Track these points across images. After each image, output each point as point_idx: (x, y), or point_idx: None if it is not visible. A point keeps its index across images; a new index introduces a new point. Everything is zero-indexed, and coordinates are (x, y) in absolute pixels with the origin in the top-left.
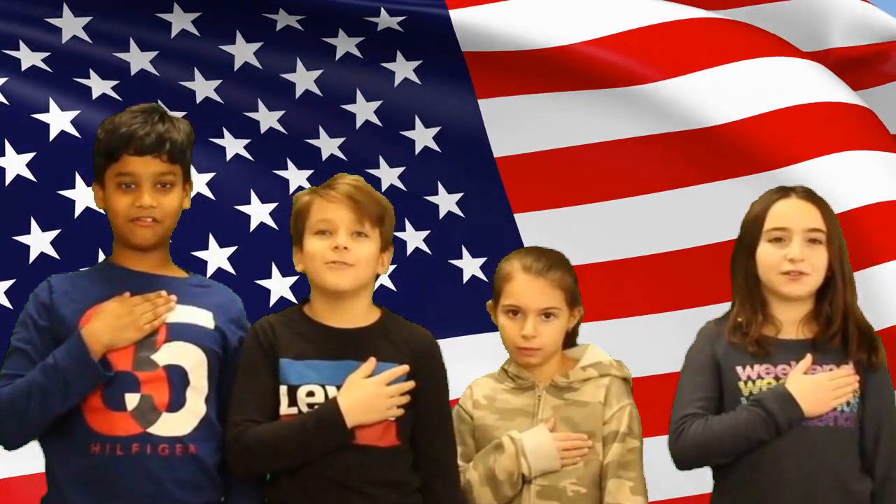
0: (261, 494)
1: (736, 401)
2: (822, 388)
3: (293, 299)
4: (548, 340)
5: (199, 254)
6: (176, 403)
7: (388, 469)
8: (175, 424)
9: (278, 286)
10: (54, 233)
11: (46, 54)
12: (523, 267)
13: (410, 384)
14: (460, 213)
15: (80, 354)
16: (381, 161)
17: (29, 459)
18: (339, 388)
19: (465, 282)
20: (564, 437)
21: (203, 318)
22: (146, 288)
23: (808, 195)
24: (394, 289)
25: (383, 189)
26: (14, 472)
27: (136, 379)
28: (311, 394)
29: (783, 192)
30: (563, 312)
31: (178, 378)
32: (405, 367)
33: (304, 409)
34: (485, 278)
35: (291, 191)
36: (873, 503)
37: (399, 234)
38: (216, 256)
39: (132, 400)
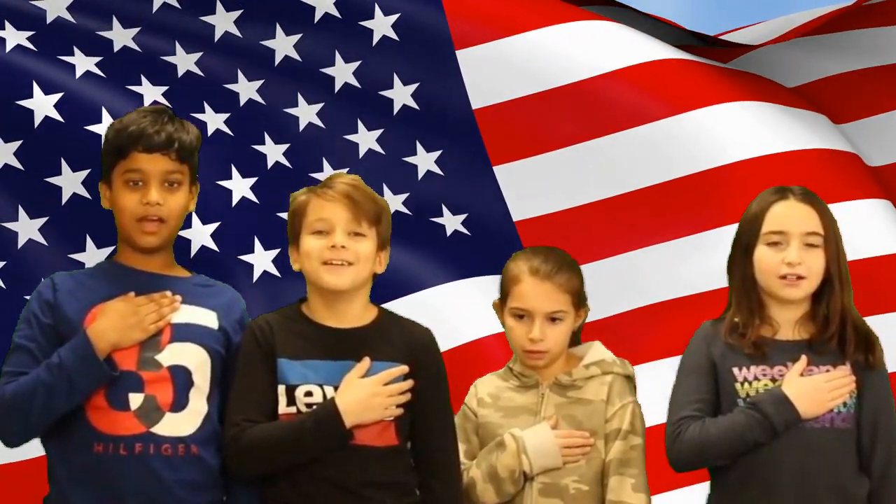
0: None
1: (733, 402)
2: (818, 390)
3: (276, 273)
4: (555, 343)
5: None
6: (179, 404)
7: (387, 469)
8: (178, 424)
9: (262, 260)
10: (42, 220)
11: (31, 33)
12: (531, 269)
13: (409, 383)
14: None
15: (86, 353)
16: (360, 125)
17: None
18: (336, 388)
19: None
20: (566, 435)
21: (207, 318)
22: (151, 288)
23: (806, 197)
24: None
25: (361, 155)
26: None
27: (140, 379)
28: (309, 394)
29: (781, 193)
30: (569, 315)
31: (181, 378)
32: (404, 368)
33: (303, 408)
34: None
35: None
36: (871, 503)
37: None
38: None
39: (136, 400)
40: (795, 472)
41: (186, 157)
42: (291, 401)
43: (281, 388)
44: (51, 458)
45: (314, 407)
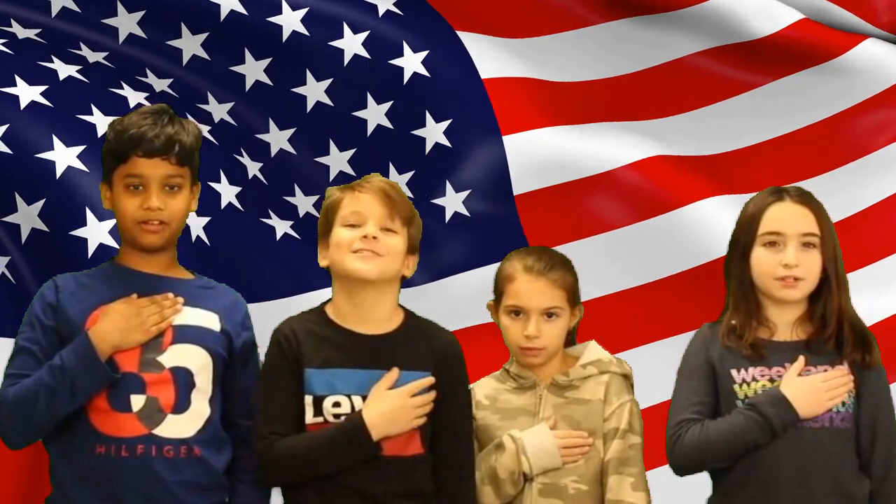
0: (266, 495)
1: (732, 404)
2: (816, 390)
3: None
4: (551, 340)
5: None
6: (181, 405)
7: (412, 478)
8: (180, 426)
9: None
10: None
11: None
12: (525, 267)
13: (433, 394)
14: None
15: (88, 355)
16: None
17: None
18: (364, 398)
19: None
20: (565, 435)
21: (209, 320)
22: (153, 290)
23: (803, 198)
24: None
25: (370, 131)
26: None
27: (141, 380)
28: (337, 404)
29: (777, 194)
30: (565, 312)
31: (183, 380)
32: (430, 380)
33: (331, 419)
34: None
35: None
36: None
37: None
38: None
39: (138, 401)
40: (794, 472)
41: (186, 160)
42: (319, 411)
43: (308, 399)
44: (53, 458)
45: (342, 418)
